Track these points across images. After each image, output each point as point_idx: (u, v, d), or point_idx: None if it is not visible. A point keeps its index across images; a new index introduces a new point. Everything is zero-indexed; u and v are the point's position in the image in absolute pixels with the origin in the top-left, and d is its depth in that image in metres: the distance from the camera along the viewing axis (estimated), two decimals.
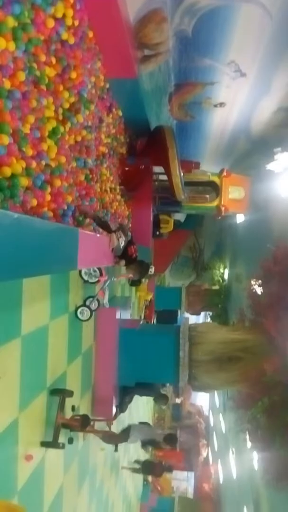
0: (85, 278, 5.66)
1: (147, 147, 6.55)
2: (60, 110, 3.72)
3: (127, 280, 10.32)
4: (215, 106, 6.79)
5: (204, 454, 20.69)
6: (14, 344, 3.50)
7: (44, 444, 4.11)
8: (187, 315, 14.67)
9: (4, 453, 3.32)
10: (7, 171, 2.65)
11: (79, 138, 4.18)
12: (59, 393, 4.43)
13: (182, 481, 22.08)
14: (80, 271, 5.59)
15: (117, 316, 6.83)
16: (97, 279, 5.73)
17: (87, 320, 5.66)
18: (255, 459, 9.28)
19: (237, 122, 7.35)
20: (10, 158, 2.72)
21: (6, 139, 2.66)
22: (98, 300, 5.99)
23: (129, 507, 11.88)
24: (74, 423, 4.58)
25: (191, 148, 8.47)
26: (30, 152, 3.06)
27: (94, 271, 5.64)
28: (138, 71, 5.35)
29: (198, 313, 15.93)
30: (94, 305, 5.81)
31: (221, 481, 16.19)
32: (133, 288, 11.28)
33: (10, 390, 3.44)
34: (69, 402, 4.72)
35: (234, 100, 6.64)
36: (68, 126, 3.87)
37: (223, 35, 5.18)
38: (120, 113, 5.92)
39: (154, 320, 14.46)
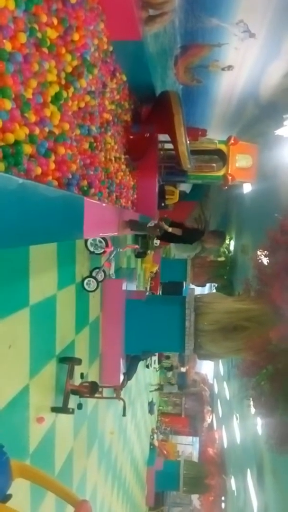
0: (91, 249, 5.66)
1: (152, 114, 6.36)
2: (63, 74, 3.58)
3: (132, 252, 10.35)
4: (223, 69, 6.53)
5: (209, 420, 21.37)
6: (23, 314, 3.54)
7: (55, 410, 4.23)
8: (192, 286, 14.75)
9: (16, 416, 3.42)
10: (11, 138, 2.58)
11: (82, 104, 4.05)
12: (68, 361, 4.52)
13: (187, 446, 22.94)
14: (86, 242, 5.59)
15: (124, 288, 6.88)
16: (103, 250, 5.73)
17: (94, 291, 5.71)
18: (259, 424, 9.55)
19: (245, 86, 7.08)
20: (13, 124, 2.64)
21: (9, 104, 2.58)
22: (104, 271, 6.01)
23: (137, 470, 12.39)
24: (83, 389, 4.70)
25: (197, 114, 8.20)
26: (33, 118, 2.97)
27: (100, 242, 5.64)
28: (142, 32, 5.11)
29: (203, 285, 16.01)
30: (100, 276, 5.84)
31: (225, 446, 16.76)
32: (139, 260, 11.32)
33: (20, 358, 3.51)
34: (77, 369, 4.82)
35: (243, 63, 6.37)
36: (71, 91, 3.74)
37: None
38: (124, 78, 5.72)
39: (159, 292, 14.59)
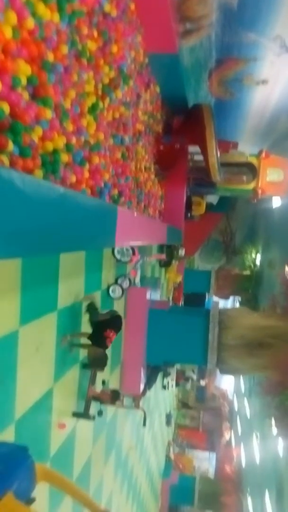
0: (118, 257, 5.71)
1: (183, 126, 6.40)
2: (100, 85, 3.67)
3: (157, 261, 10.35)
4: (257, 83, 6.51)
5: (227, 436, 20.86)
6: (51, 317, 3.61)
7: (76, 415, 4.26)
8: (215, 299, 14.57)
9: (39, 419, 3.46)
10: (50, 146, 2.66)
11: (117, 115, 4.12)
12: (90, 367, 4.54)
13: (204, 461, 22.42)
14: (113, 250, 5.64)
15: (148, 296, 6.88)
16: (129, 259, 5.76)
17: (119, 298, 5.74)
18: (280, 445, 9.26)
19: (279, 100, 7.02)
20: (52, 133, 2.72)
21: (50, 114, 2.66)
22: (129, 279, 6.04)
23: (152, 482, 12.22)
24: (104, 396, 4.71)
25: (229, 127, 8.18)
26: (70, 127, 3.05)
27: (127, 250, 5.68)
28: (178, 46, 5.18)
29: (226, 298, 15.79)
30: (125, 284, 5.87)
31: (243, 464, 16.31)
32: (163, 269, 11.30)
33: (46, 361, 3.56)
34: (99, 376, 4.84)
35: (278, 78, 6.33)
36: (107, 102, 3.82)
37: (269, 8, 4.90)
38: (158, 90, 5.79)
39: (182, 303, 14.49)
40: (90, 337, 4.22)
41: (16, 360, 2.99)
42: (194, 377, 19.85)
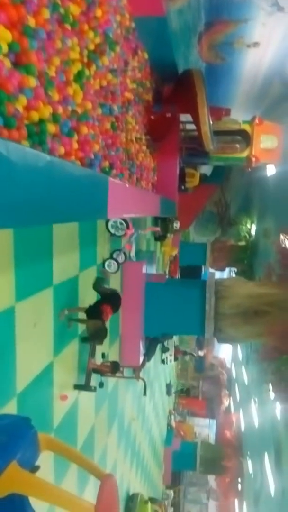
0: (112, 231, 5.66)
1: (174, 93, 6.21)
2: (85, 52, 3.52)
3: (152, 235, 10.32)
4: (248, 46, 6.29)
5: (226, 403, 21.51)
6: (47, 293, 3.60)
7: (77, 387, 4.33)
8: (211, 271, 14.66)
9: (41, 392, 3.52)
10: (35, 116, 2.57)
11: (104, 83, 3.98)
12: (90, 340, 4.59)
13: (204, 428, 23.20)
14: (107, 224, 5.59)
15: (144, 270, 6.90)
16: (124, 232, 5.72)
17: (115, 272, 5.74)
18: (278, 409, 9.55)
19: (271, 64, 6.82)
20: (37, 102, 2.62)
21: (33, 82, 2.55)
22: (124, 253, 6.02)
23: (154, 449, 12.64)
24: (104, 368, 4.78)
25: (221, 93, 7.97)
26: (56, 96, 2.94)
27: (121, 224, 5.63)
28: (166, 8, 4.96)
29: (222, 269, 15.90)
30: (121, 258, 5.86)
31: (242, 429, 16.88)
32: (158, 243, 11.30)
33: (45, 336, 3.59)
34: (99, 349, 4.90)
35: (270, 39, 6.12)
36: (93, 69, 3.68)
37: None
38: (146, 56, 5.58)
39: (178, 276, 14.56)
40: (87, 311, 4.25)
41: (14, 336, 3.01)
42: (194, 354, 20.32)
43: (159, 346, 9.53)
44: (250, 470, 14.41)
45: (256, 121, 8.06)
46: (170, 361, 14.20)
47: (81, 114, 3.34)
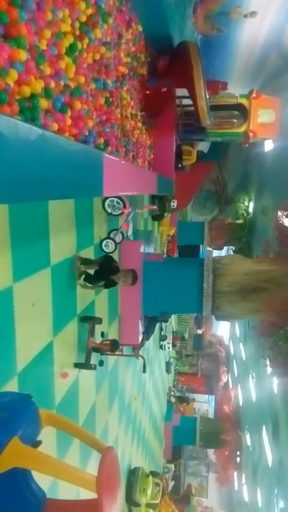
0: (109, 210, 5.62)
1: (169, 67, 6.04)
2: (77, 24, 3.39)
3: (149, 214, 10.27)
4: (245, 16, 6.09)
5: (224, 379, 21.91)
6: (44, 274, 3.59)
7: (77, 366, 4.38)
8: (209, 249, 14.67)
9: (42, 371, 3.55)
10: (27, 91, 2.49)
11: (97, 56, 3.86)
12: (89, 320, 4.62)
13: (203, 403, 23.71)
14: (103, 203, 5.54)
15: (141, 250, 6.88)
16: (120, 211, 5.68)
17: (112, 252, 5.72)
18: (275, 383, 9.74)
19: (268, 35, 6.61)
20: (29, 76, 2.54)
21: (24, 55, 2.46)
22: (122, 233, 5.99)
23: (155, 425, 12.93)
24: (104, 347, 4.83)
25: (217, 66, 7.76)
26: (48, 70, 2.85)
27: (118, 203, 5.58)
28: None
29: (220, 248, 15.89)
30: (118, 238, 5.83)
31: (240, 404, 17.25)
32: (156, 222, 11.25)
33: (44, 316, 3.60)
34: (98, 329, 4.93)
35: (267, 9, 5.92)
36: (86, 42, 3.56)
37: None
38: (140, 29, 5.41)
39: (176, 255, 14.58)
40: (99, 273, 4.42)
41: (13, 316, 3.01)
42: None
43: (157, 326, 9.64)
44: (248, 443, 14.80)
45: (254, 94, 7.89)
46: (169, 348, 14.42)
47: (74, 89, 3.25)
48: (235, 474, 17.33)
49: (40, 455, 1.97)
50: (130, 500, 8.28)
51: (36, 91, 2.61)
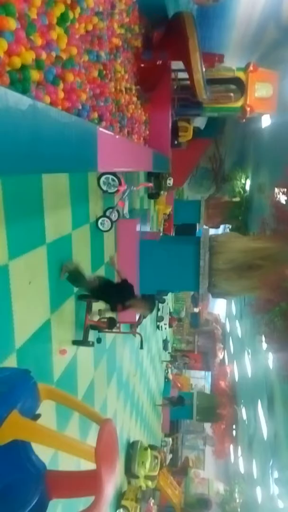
0: (104, 188, 5.55)
1: (164, 39, 5.85)
2: None
3: (145, 193, 10.18)
4: None
5: (221, 356, 22.29)
6: (40, 251, 3.57)
7: (75, 343, 4.41)
8: (206, 228, 14.64)
9: (40, 348, 3.58)
10: (17, 61, 2.41)
11: (90, 27, 3.73)
12: (86, 298, 4.63)
13: (200, 379, 24.18)
14: (98, 181, 5.47)
15: (137, 228, 6.85)
16: (116, 189, 5.61)
17: (108, 230, 5.69)
18: (270, 359, 9.92)
19: (266, 5, 6.40)
20: (19, 46, 2.45)
21: (13, 24, 2.36)
22: (118, 211, 5.95)
23: (153, 400, 13.21)
24: (102, 324, 4.86)
25: (214, 38, 7.53)
26: (39, 41, 2.75)
27: (113, 180, 5.51)
28: None
29: (217, 227, 15.88)
30: (114, 216, 5.79)
31: (236, 379, 17.61)
32: (152, 201, 11.17)
33: (41, 294, 3.60)
34: (95, 307, 4.96)
35: None
36: (78, 11, 3.42)
37: None
38: None
39: (172, 234, 14.56)
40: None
41: (10, 293, 3.01)
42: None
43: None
44: (244, 417, 15.18)
45: (251, 67, 7.69)
46: (165, 328, 14.60)
47: (66, 61, 3.16)
48: (231, 447, 17.84)
49: (39, 427, 2.00)
50: (129, 473, 8.54)
51: (27, 62, 2.53)
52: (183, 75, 6.70)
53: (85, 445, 2.07)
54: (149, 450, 9.02)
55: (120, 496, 7.91)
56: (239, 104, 8.13)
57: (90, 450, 1.97)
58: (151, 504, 9.30)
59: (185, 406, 14.15)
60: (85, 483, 2.13)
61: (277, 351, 7.40)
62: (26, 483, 2.06)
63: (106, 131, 2.90)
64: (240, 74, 7.85)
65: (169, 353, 16.28)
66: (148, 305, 4.52)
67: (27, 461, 2.12)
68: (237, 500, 14.18)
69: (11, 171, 1.45)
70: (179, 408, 14.24)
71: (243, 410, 15.49)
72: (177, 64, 6.73)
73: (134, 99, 5.55)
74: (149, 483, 8.96)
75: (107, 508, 2.09)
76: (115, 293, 4.23)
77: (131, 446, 8.73)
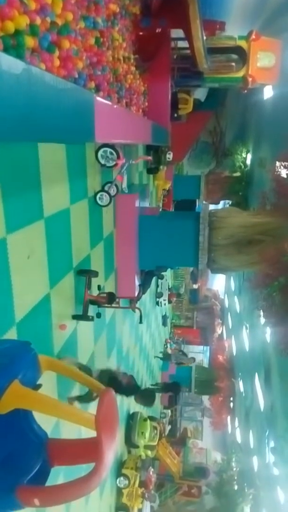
0: (102, 161, 5.46)
1: (164, 6, 5.61)
2: None
3: (144, 167, 10.03)
4: None
5: (219, 331, 22.60)
6: (38, 226, 3.55)
7: (75, 317, 4.45)
8: (205, 203, 14.52)
9: (40, 321, 3.61)
10: (10, 26, 2.31)
11: None
12: (85, 273, 4.64)
13: (199, 354, 24.59)
14: (96, 154, 5.37)
15: (136, 203, 6.79)
16: (114, 163, 5.52)
17: (107, 205, 5.64)
18: (268, 333, 10.05)
19: None
20: (12, 10, 2.34)
21: None
22: (116, 186, 5.88)
23: (152, 374, 13.46)
24: (101, 299, 4.89)
25: (215, 5, 7.21)
26: (32, 5, 2.63)
27: (111, 153, 5.41)
28: None
29: (217, 203, 15.76)
30: (112, 191, 5.72)
31: (234, 353, 17.91)
32: (151, 176, 11.03)
33: (40, 268, 3.60)
34: (95, 282, 4.97)
35: None
36: None
37: None
38: None
39: (172, 210, 14.45)
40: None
41: (9, 267, 3.00)
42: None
43: (154, 279, 9.74)
44: (241, 389, 15.52)
45: (253, 36, 7.43)
46: (165, 304, 14.69)
47: (61, 27, 3.03)
48: (229, 418, 18.32)
49: (40, 395, 2.04)
50: (129, 442, 8.80)
51: (20, 27, 2.42)
52: (183, 43, 6.48)
53: (85, 413, 2.11)
54: (148, 421, 9.26)
55: (120, 465, 8.17)
56: (240, 74, 7.90)
57: (90, 418, 2.01)
58: (151, 472, 9.63)
59: (178, 394, 14.18)
60: (85, 451, 2.19)
61: (275, 325, 7.48)
62: (28, 451, 2.11)
63: (104, 101, 2.82)
64: (242, 43, 7.59)
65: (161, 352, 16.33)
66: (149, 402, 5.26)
67: (29, 430, 2.17)
68: (234, 469, 14.69)
69: (5, 137, 1.41)
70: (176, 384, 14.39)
71: (241, 383, 15.83)
72: (177, 32, 6.49)
73: (133, 68, 5.39)
74: (149, 452, 9.24)
75: (107, 474, 2.15)
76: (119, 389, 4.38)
77: (131, 417, 8.96)
